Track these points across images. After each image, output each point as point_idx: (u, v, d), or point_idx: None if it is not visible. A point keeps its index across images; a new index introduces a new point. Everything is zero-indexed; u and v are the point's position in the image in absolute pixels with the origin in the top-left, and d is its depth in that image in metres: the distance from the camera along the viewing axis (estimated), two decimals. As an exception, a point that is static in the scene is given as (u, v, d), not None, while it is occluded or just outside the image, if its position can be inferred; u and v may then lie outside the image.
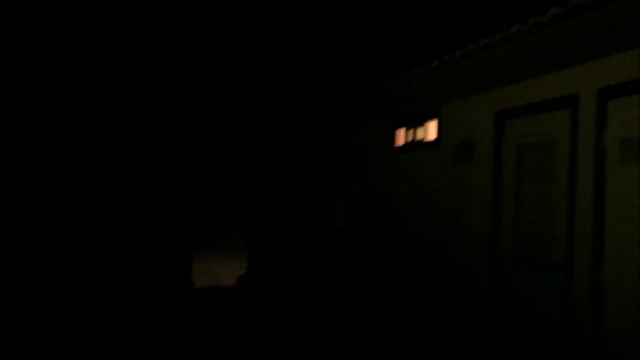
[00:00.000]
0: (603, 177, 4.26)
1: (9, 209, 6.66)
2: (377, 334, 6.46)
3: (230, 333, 6.34)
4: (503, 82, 5.44)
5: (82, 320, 6.49)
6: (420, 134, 7.13)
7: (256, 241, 9.94)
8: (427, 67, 5.90)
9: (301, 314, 7.05)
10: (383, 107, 7.98)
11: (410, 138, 7.38)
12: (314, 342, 6.04)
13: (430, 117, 6.86)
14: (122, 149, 7.21)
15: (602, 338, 4.16)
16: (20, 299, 6.47)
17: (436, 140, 6.66)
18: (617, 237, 4.08)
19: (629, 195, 4.01)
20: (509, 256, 5.28)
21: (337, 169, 9.79)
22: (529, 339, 4.89)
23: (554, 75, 4.81)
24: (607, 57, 4.26)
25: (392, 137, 7.79)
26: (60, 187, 6.97)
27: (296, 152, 10.50)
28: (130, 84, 7.25)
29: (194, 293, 8.12)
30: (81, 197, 7.03)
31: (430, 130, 6.89)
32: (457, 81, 6.12)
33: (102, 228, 7.06)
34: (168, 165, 7.47)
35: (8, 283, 6.52)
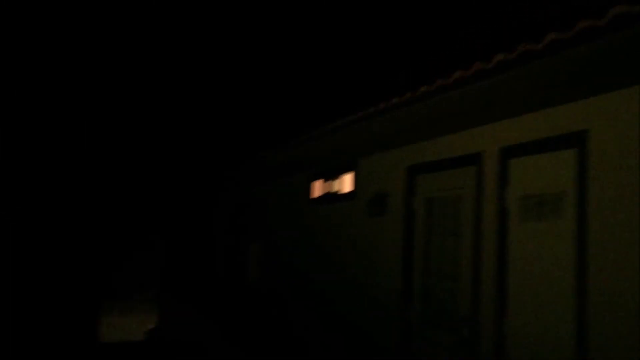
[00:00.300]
0: (505, 233, 4.43)
1: None
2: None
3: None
4: (414, 138, 5.63)
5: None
6: (336, 186, 7.23)
7: (169, 293, 9.62)
8: (342, 122, 6.04)
9: None
10: (301, 159, 8.05)
11: (327, 190, 7.46)
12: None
13: (346, 170, 6.97)
14: (23, 197, 6.86)
15: (506, 391, 4.25)
16: None
17: (352, 192, 6.76)
18: (519, 292, 4.22)
19: (529, 251, 4.19)
20: (419, 309, 5.36)
21: (255, 219, 9.72)
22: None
23: (461, 134, 5.03)
24: (508, 118, 4.50)
25: (309, 189, 7.85)
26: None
27: (215, 203, 10.35)
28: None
29: (99, 348, 7.70)
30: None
31: (347, 183, 6.99)
32: (372, 136, 6.28)
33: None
34: (75, 215, 7.16)
35: None
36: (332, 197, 7.28)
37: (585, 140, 3.82)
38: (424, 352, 5.22)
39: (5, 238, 6.73)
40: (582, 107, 3.86)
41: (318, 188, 7.72)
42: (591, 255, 3.65)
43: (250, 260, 9.55)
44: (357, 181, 6.66)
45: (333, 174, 7.29)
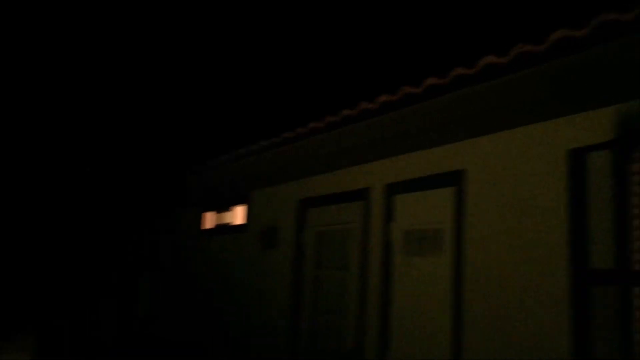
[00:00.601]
0: (389, 267, 4.56)
1: None
2: None
3: None
4: (306, 173, 5.71)
5: None
6: (228, 217, 7.15)
7: (48, 330, 9.01)
8: (235, 155, 6.01)
9: None
10: (192, 190, 7.91)
11: (219, 221, 7.36)
12: None
13: (239, 202, 6.92)
14: None
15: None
16: None
17: (244, 225, 6.71)
18: (401, 324, 4.34)
19: (411, 285, 4.33)
20: (308, 343, 5.36)
21: (145, 252, 9.39)
22: None
23: (350, 169, 5.16)
24: (394, 156, 4.68)
25: (201, 220, 7.71)
26: None
27: (103, 236, 9.88)
28: None
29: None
30: None
31: (239, 215, 6.94)
32: (264, 169, 6.28)
33: None
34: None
35: None
36: (224, 229, 7.19)
37: (462, 179, 4.04)
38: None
39: None
40: (460, 148, 4.09)
41: (211, 219, 7.60)
42: (467, 289, 3.83)
43: (143, 293, 9.17)
44: (249, 214, 6.63)
45: (225, 206, 7.21)
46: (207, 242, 7.51)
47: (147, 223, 9.28)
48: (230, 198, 7.11)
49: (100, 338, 9.04)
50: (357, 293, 4.83)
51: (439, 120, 4.08)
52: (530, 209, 3.51)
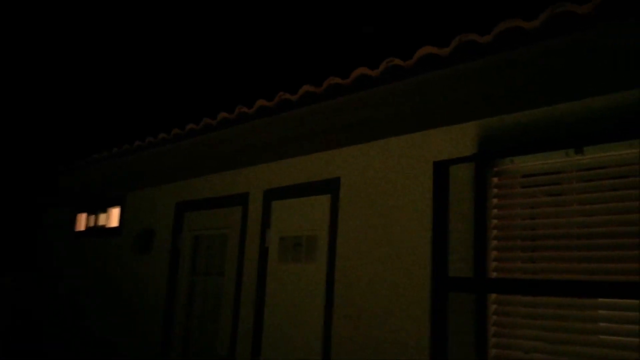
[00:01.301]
0: (265, 273, 4.52)
1: None
2: None
3: None
4: (184, 175, 5.55)
5: None
6: (102, 219, 6.81)
7: None
8: (108, 154, 5.73)
9: None
10: (65, 189, 7.47)
11: (92, 223, 6.99)
12: None
13: (113, 204, 6.61)
14: None
15: None
16: None
17: (118, 228, 6.42)
18: (273, 330, 4.32)
19: (285, 290, 4.32)
20: (181, 348, 5.22)
21: (11, 254, 8.74)
22: None
23: (229, 173, 5.07)
24: (272, 162, 4.65)
25: (76, 221, 7.30)
26: None
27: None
28: None
29: None
30: None
31: (113, 217, 6.62)
32: (140, 171, 6.04)
33: None
34: None
35: None
36: (98, 231, 6.83)
37: (337, 187, 4.07)
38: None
39: None
40: (336, 156, 4.12)
41: (84, 221, 7.20)
42: (337, 295, 3.88)
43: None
44: (123, 216, 6.34)
45: (99, 207, 6.86)
46: (80, 244, 7.11)
47: (14, 222, 8.66)
48: (105, 199, 6.77)
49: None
50: (232, 298, 4.75)
51: (314, 127, 4.10)
52: (399, 217, 3.61)
